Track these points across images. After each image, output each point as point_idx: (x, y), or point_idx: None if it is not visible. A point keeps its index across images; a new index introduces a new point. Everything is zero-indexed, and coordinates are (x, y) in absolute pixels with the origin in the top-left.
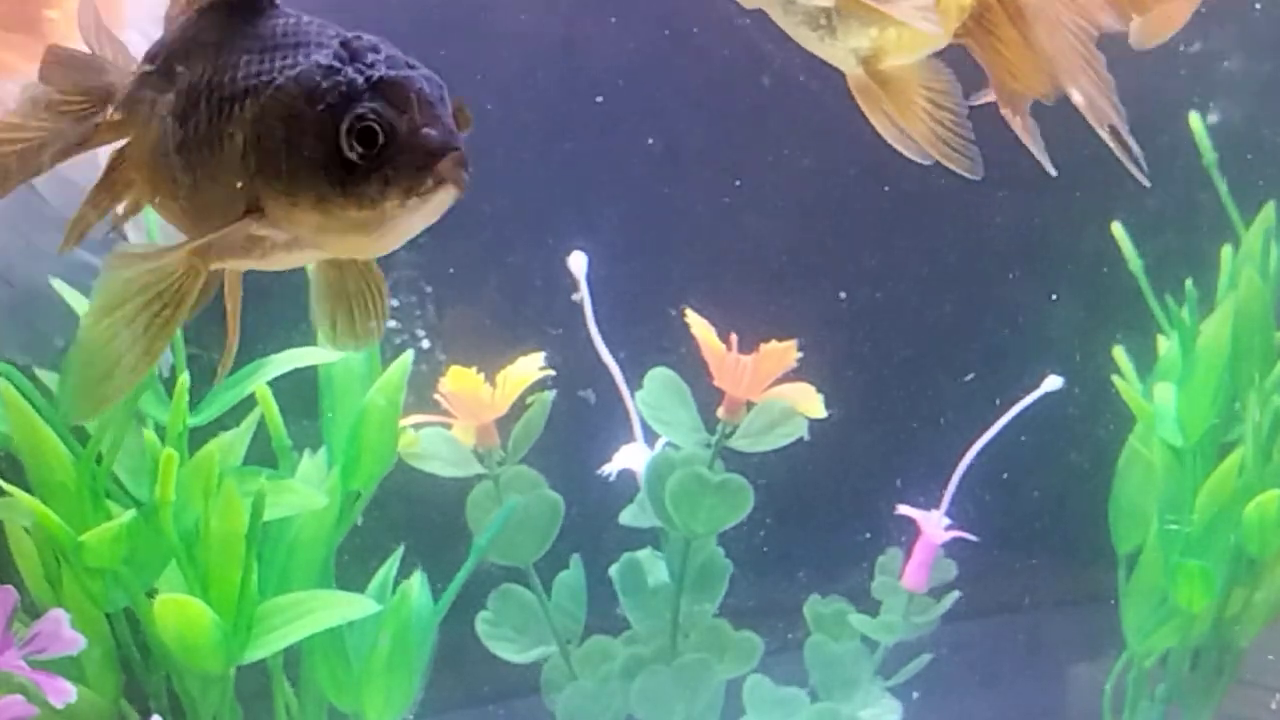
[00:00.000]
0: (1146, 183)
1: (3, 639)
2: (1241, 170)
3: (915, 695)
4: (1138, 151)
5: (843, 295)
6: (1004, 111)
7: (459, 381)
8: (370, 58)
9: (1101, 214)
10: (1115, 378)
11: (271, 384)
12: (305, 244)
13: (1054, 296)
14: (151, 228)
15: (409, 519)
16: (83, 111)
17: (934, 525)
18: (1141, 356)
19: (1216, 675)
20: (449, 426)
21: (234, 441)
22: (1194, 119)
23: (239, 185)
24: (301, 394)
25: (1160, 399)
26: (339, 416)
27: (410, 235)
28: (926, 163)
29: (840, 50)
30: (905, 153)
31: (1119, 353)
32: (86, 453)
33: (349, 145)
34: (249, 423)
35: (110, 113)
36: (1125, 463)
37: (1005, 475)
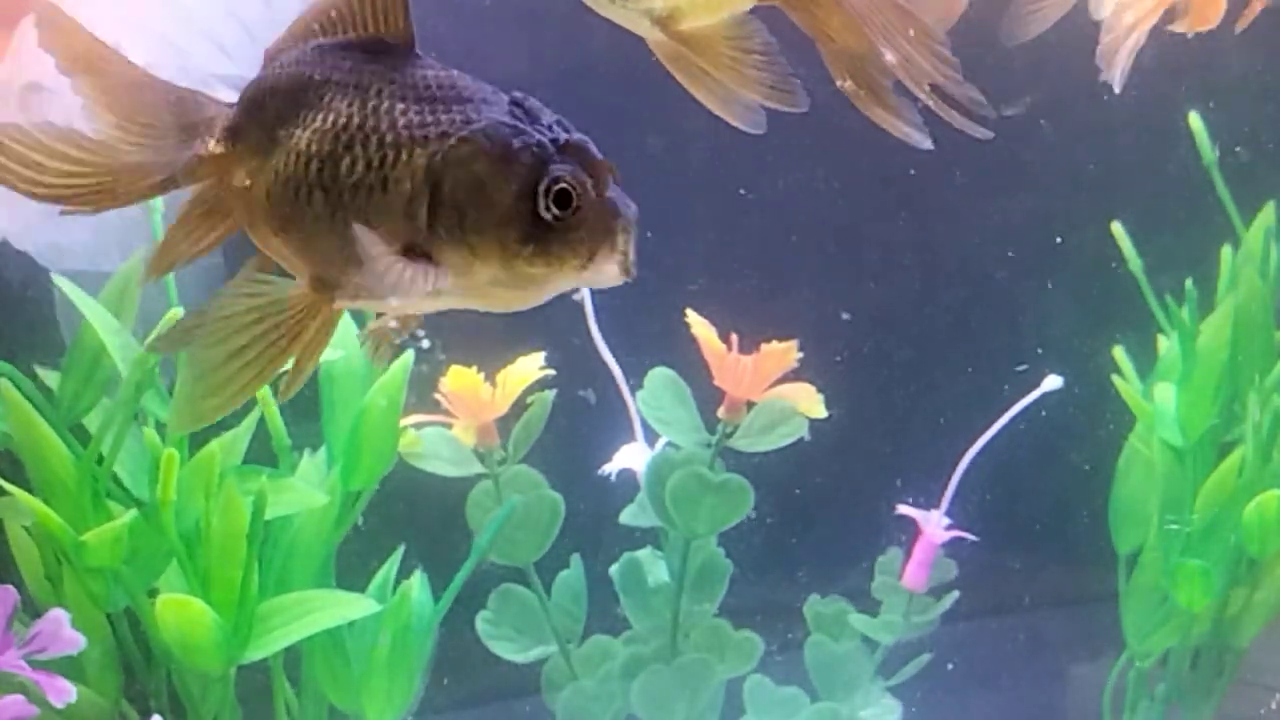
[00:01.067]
0: (986, 135)
1: (3, 639)
2: (1241, 170)
3: (916, 695)
4: (977, 100)
5: (846, 316)
6: (834, 76)
7: (459, 381)
8: (546, 119)
9: (1101, 214)
10: (1115, 378)
11: (270, 383)
12: (454, 292)
13: (1049, 285)
14: (156, 229)
15: (409, 519)
16: (171, 141)
17: (934, 525)
18: (1141, 356)
19: (1216, 675)
20: (449, 426)
21: (234, 441)
22: (1194, 119)
23: (399, 231)
24: (301, 394)
25: (1160, 399)
26: (339, 416)
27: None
28: (758, 130)
29: (633, 13)
30: (735, 121)
31: (1119, 353)
32: (87, 453)
33: (545, 205)
34: (249, 422)
35: (211, 144)
36: (1125, 463)
37: (1005, 475)
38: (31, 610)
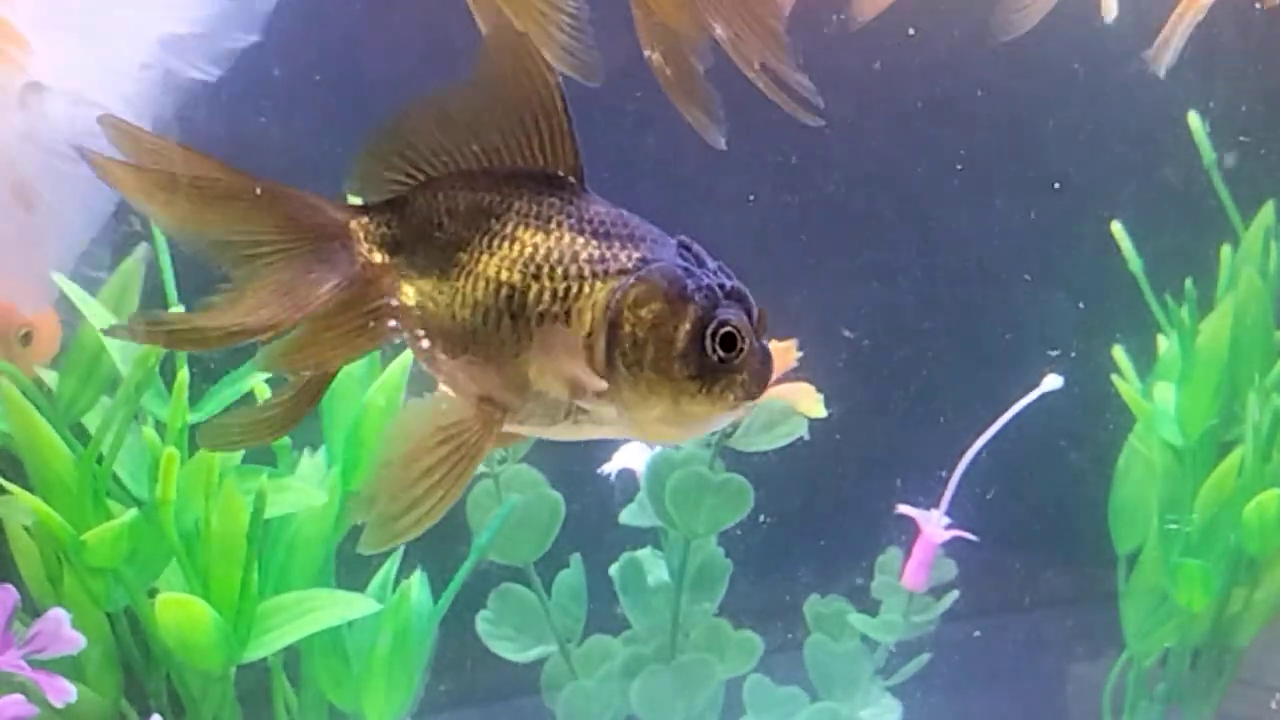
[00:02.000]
0: (817, 123)
1: (3, 639)
2: (1241, 170)
3: (916, 695)
4: (809, 87)
5: (848, 334)
6: (644, 46)
7: None
8: (710, 262)
9: (1101, 214)
10: (1115, 377)
11: (271, 383)
12: (619, 424)
13: (1049, 285)
14: (157, 231)
15: None
16: (308, 248)
17: (934, 525)
18: (1141, 356)
19: (1216, 675)
20: None
21: None
22: (1194, 119)
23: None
24: None
25: (1160, 399)
26: (339, 416)
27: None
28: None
29: None
30: (570, 72)
31: (1119, 353)
32: (87, 452)
33: (712, 347)
34: None
35: (373, 254)
36: (1125, 463)
37: (1005, 475)
38: (31, 610)
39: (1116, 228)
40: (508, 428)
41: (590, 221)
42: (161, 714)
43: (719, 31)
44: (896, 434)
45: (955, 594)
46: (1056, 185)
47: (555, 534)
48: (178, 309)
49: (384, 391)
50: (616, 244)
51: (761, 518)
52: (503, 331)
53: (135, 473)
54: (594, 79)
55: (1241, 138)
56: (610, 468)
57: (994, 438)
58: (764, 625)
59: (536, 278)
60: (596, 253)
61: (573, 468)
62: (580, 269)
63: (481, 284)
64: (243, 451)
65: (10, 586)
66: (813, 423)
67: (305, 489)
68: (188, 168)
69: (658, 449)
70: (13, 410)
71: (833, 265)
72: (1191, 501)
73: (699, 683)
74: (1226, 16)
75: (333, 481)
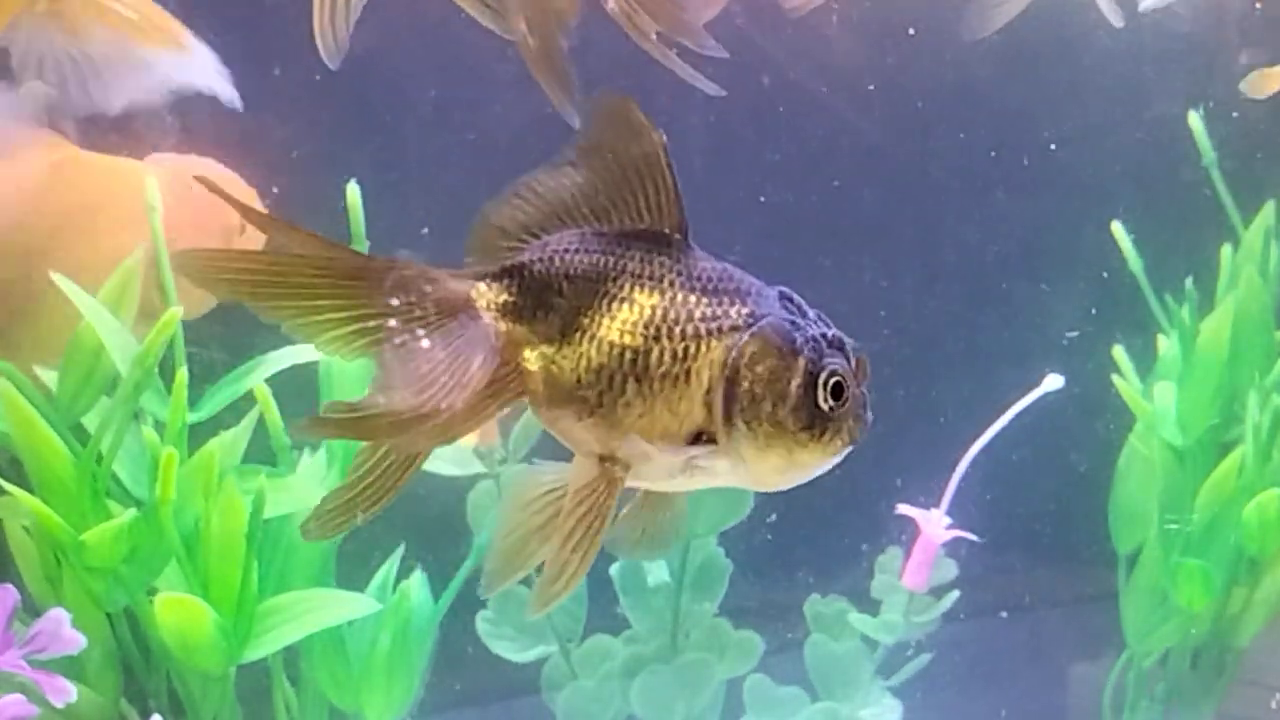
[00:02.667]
0: (718, 92)
1: (3, 639)
2: (1241, 170)
3: (916, 695)
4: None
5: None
6: (516, 26)
7: None
8: (811, 313)
9: (1101, 214)
10: (1115, 377)
11: (271, 382)
12: (732, 474)
13: (1049, 285)
14: (156, 231)
15: (409, 519)
16: (436, 321)
17: (934, 525)
18: (1141, 356)
19: (1216, 675)
20: None
21: (234, 440)
22: (1194, 119)
23: (696, 418)
24: (301, 393)
25: (1160, 399)
26: None
27: None
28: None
29: None
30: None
31: (1119, 353)
32: (87, 452)
33: (824, 397)
34: (249, 421)
35: (501, 324)
36: (1125, 463)
37: (1005, 475)
38: (31, 610)
39: (1116, 228)
40: (628, 483)
41: (699, 279)
42: (161, 714)
43: (610, 4)
44: (896, 434)
45: (955, 594)
46: (1057, 186)
47: None
48: (177, 309)
49: None
50: (726, 300)
51: (762, 518)
52: (628, 393)
53: (135, 473)
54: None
55: (1241, 138)
56: None
57: (994, 438)
58: (764, 625)
59: (656, 339)
60: (709, 310)
61: None
62: (696, 328)
63: (605, 348)
64: (242, 451)
65: (10, 586)
66: None
67: (305, 489)
68: (297, 262)
69: None
70: (12, 410)
71: (832, 265)
72: (1191, 501)
73: (699, 683)
74: (1227, 16)
75: (332, 481)
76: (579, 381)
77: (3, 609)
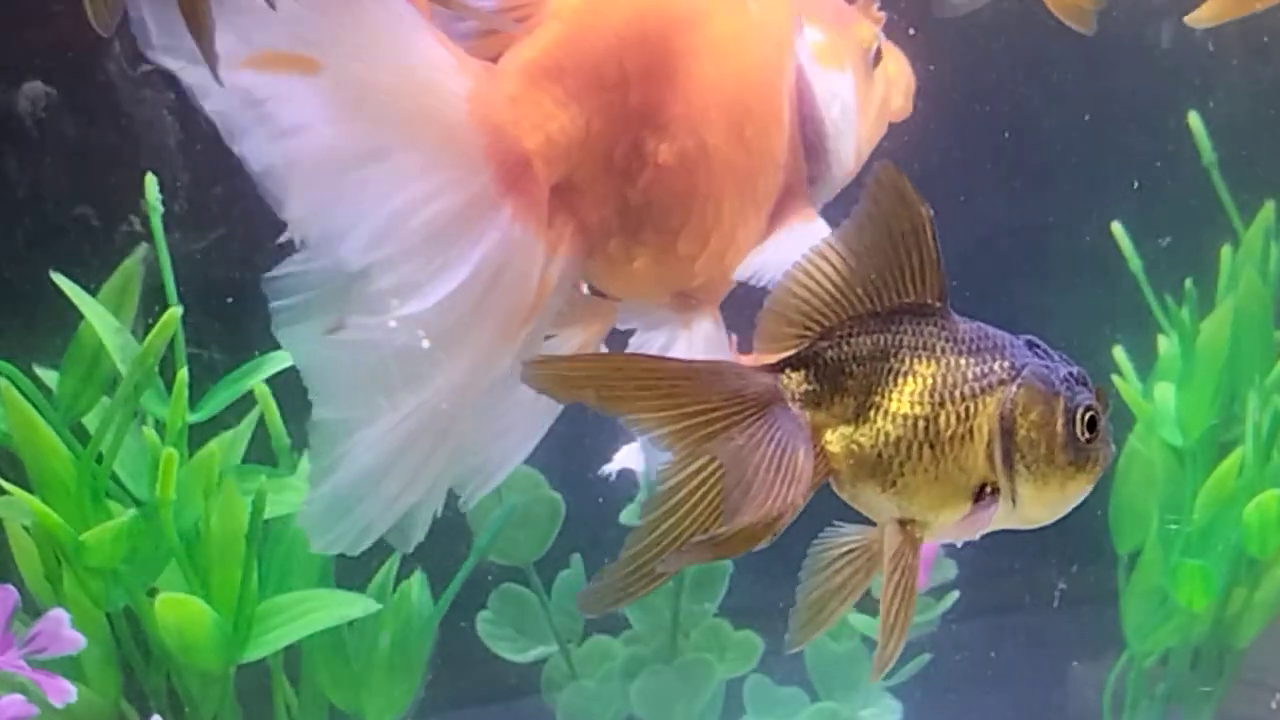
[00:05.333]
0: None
1: (3, 639)
2: (1241, 170)
3: (916, 695)
4: None
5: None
6: None
7: None
8: (1055, 354)
9: (1101, 214)
10: (1115, 377)
11: (271, 382)
12: (1009, 519)
13: (1049, 285)
14: (157, 229)
15: None
16: (759, 420)
17: None
18: (1141, 356)
19: (1216, 675)
20: None
21: (234, 440)
22: (1194, 119)
23: (980, 472)
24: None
25: (1160, 399)
26: None
27: None
28: None
29: None
30: None
31: (1119, 353)
32: (87, 452)
33: (1082, 431)
34: (249, 421)
35: (806, 415)
36: (1125, 463)
37: None
38: (31, 610)
39: (1116, 228)
40: (925, 540)
41: (964, 341)
42: (161, 714)
43: None
44: None
45: (955, 594)
46: (1057, 185)
47: (555, 534)
48: (177, 309)
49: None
50: (989, 357)
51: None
52: (924, 459)
53: (135, 473)
54: None
55: (1241, 138)
56: (610, 468)
57: None
58: (764, 625)
59: (941, 405)
60: (979, 370)
61: (573, 468)
62: (972, 388)
63: (899, 421)
64: (243, 451)
65: (10, 586)
66: None
67: (305, 489)
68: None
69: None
70: (12, 410)
71: None
72: (1191, 501)
73: (699, 683)
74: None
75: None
76: (880, 456)
77: (3, 609)
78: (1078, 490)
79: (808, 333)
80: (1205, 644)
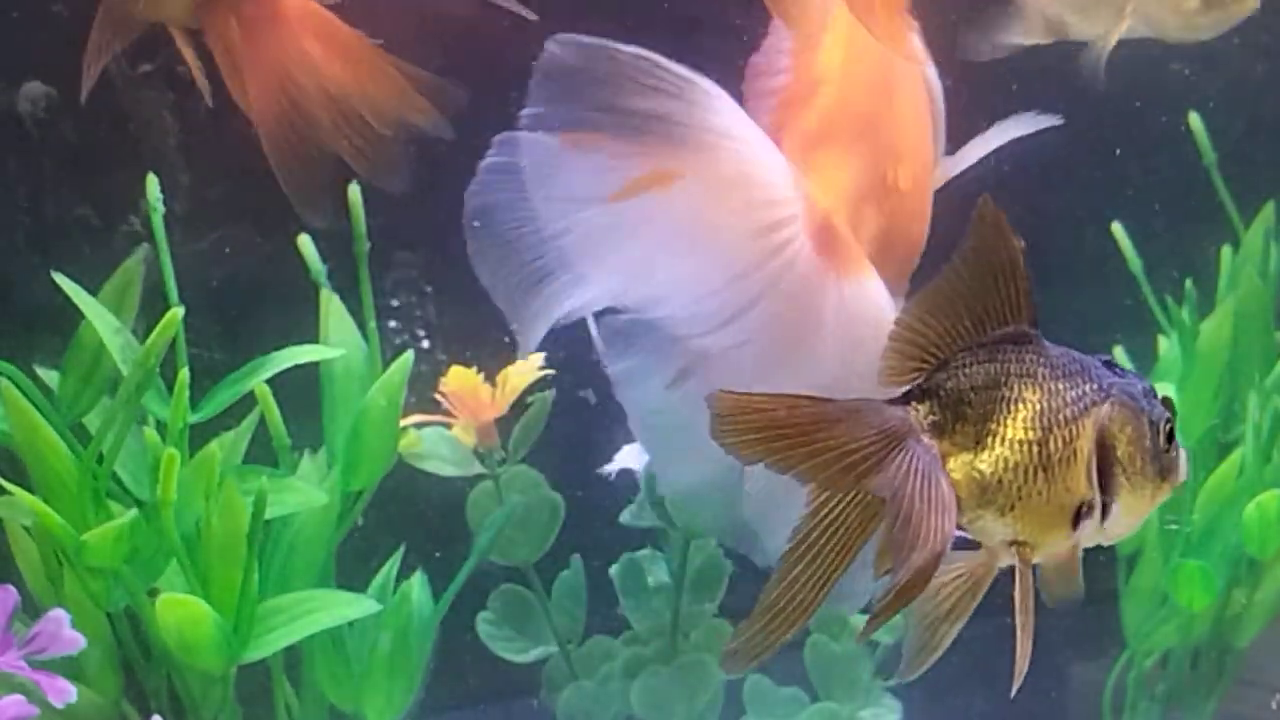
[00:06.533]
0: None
1: (3, 639)
2: (1241, 170)
3: (916, 695)
4: None
5: None
6: None
7: (459, 381)
8: (1127, 371)
9: (1101, 214)
10: None
11: (272, 383)
12: (1105, 534)
13: (1049, 285)
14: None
15: (409, 519)
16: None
17: None
18: (1141, 356)
19: (1216, 675)
20: (449, 426)
21: (235, 441)
22: (1194, 119)
23: (1082, 490)
24: (302, 393)
25: None
26: (339, 416)
27: None
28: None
29: None
30: None
31: (1119, 353)
32: (88, 452)
33: (1164, 442)
34: (249, 422)
35: (934, 444)
36: None
37: None
38: (31, 610)
39: (1116, 228)
40: (1035, 560)
41: (1058, 366)
42: (162, 714)
43: None
44: None
45: None
46: (1057, 185)
47: (555, 534)
48: (179, 310)
49: (384, 392)
50: (1079, 380)
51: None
52: (1038, 482)
53: (136, 473)
54: None
55: (1241, 138)
56: (610, 468)
57: None
58: None
59: (1049, 429)
60: (1075, 393)
61: (573, 468)
62: (1072, 411)
63: (1015, 446)
64: (243, 452)
65: (10, 586)
66: None
67: (306, 489)
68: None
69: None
70: (13, 410)
71: None
72: (1191, 501)
73: (699, 683)
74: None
75: (333, 482)
76: (1000, 481)
77: (3, 609)
78: (1162, 499)
79: (924, 365)
80: (1205, 644)
